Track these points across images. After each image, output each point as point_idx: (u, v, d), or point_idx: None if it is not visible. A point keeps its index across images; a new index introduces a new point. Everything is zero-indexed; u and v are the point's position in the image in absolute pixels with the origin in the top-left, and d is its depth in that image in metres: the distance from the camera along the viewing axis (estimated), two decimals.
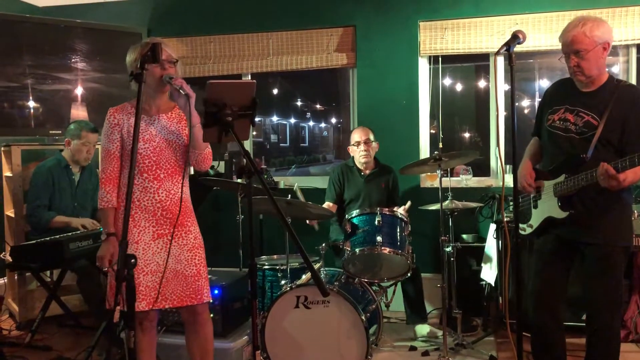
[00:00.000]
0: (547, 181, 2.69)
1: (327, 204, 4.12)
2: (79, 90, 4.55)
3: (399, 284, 3.84)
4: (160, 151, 2.51)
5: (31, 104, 4.38)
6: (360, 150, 4.06)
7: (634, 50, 4.31)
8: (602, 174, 2.36)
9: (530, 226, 2.78)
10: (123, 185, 2.52)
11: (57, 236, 3.65)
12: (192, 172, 4.50)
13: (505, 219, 2.84)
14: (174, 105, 2.59)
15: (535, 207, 2.77)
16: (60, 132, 4.40)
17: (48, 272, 4.26)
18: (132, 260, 1.94)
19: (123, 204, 2.49)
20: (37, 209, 3.90)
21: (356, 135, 4.10)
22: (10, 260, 3.78)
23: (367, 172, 4.15)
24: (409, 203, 3.76)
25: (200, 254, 2.60)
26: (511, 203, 3.54)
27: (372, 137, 4.09)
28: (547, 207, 2.69)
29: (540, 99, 2.92)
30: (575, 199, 2.58)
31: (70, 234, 3.68)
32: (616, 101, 2.50)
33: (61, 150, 4.09)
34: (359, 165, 4.15)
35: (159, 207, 2.50)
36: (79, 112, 4.51)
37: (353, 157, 4.20)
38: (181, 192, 2.54)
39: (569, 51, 2.51)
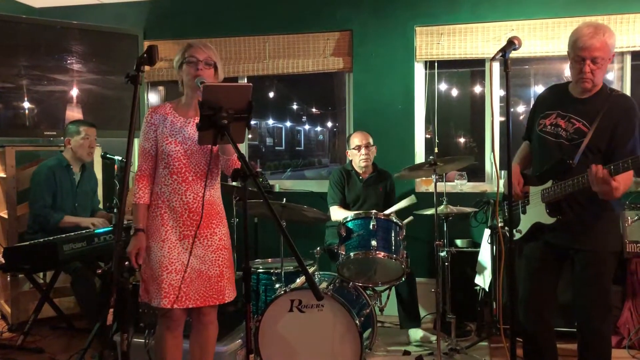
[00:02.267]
0: (535, 187, 2.71)
1: (335, 208, 4.10)
2: (74, 92, 4.54)
3: (393, 288, 3.84)
4: (192, 154, 2.53)
5: (26, 105, 4.37)
6: (361, 154, 4.07)
7: (628, 58, 4.33)
8: (595, 177, 2.35)
9: (519, 232, 2.78)
10: (156, 184, 2.57)
11: (51, 238, 3.63)
12: None
13: (499, 224, 2.85)
14: None
15: (524, 212, 2.79)
16: (55, 133, 4.39)
17: (41, 274, 4.24)
18: (126, 263, 1.94)
19: (154, 203, 2.55)
20: (43, 209, 3.88)
21: (356, 139, 4.10)
22: (3, 261, 3.76)
23: (366, 176, 4.16)
24: (410, 217, 3.76)
25: (225, 255, 2.61)
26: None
27: (371, 141, 4.12)
28: (535, 213, 2.71)
29: (533, 103, 2.94)
30: (563, 205, 2.59)
31: (63, 235, 3.67)
32: (608, 110, 2.52)
33: (61, 151, 4.08)
34: (358, 170, 4.15)
35: (186, 208, 2.52)
36: (74, 114, 4.51)
37: (351, 161, 4.20)
38: (203, 194, 2.54)
39: (588, 57, 2.47)
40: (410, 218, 3.66)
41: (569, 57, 2.59)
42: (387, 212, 3.78)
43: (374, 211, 3.52)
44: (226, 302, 2.62)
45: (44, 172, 3.94)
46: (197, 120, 2.55)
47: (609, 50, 2.48)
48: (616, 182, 2.35)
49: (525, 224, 2.77)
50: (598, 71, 2.50)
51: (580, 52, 2.49)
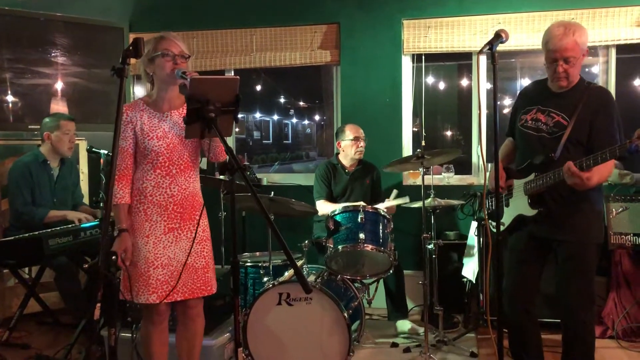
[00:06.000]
0: (518, 180, 2.75)
1: (322, 202, 4.09)
2: (58, 85, 4.48)
3: (381, 281, 3.86)
4: (174, 147, 2.52)
5: (9, 98, 4.31)
6: (359, 145, 4.08)
7: (613, 51, 4.37)
8: (566, 171, 2.43)
9: (502, 224, 2.82)
10: (136, 180, 2.54)
11: (36, 232, 3.59)
12: (205, 167, 4.50)
13: (486, 217, 2.88)
14: (184, 101, 2.56)
15: (507, 205, 2.83)
16: (39, 126, 4.33)
17: (26, 269, 4.20)
18: (113, 257, 1.93)
19: (136, 199, 2.53)
20: (25, 207, 3.80)
21: (354, 131, 4.09)
22: None
23: (352, 169, 4.17)
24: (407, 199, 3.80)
25: (208, 246, 2.63)
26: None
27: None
28: (517, 206, 2.75)
29: (515, 100, 2.98)
30: (546, 197, 2.64)
31: (49, 230, 3.63)
32: (585, 102, 2.57)
33: (39, 146, 4.01)
34: (345, 162, 4.15)
35: (171, 202, 2.52)
36: (58, 107, 4.45)
37: (337, 154, 4.21)
38: (192, 187, 2.56)
39: (560, 57, 2.53)
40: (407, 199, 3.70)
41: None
42: (379, 206, 3.79)
43: (362, 204, 3.53)
44: (214, 293, 2.62)
45: (19, 169, 3.85)
46: (173, 114, 2.55)
47: (580, 49, 2.54)
48: (588, 173, 2.40)
49: (508, 216, 2.81)
50: (572, 69, 2.56)
51: (552, 54, 2.55)
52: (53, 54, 4.44)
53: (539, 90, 2.76)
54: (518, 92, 3.05)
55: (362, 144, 4.09)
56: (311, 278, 3.33)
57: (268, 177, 5.04)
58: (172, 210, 2.52)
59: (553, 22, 2.64)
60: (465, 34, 4.46)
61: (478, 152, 4.56)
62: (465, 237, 4.20)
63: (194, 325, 2.67)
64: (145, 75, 2.56)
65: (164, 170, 2.51)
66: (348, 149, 4.11)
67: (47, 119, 3.96)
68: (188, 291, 2.53)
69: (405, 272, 4.07)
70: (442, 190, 4.24)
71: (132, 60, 2.13)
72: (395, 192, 4.01)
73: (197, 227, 2.53)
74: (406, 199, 3.85)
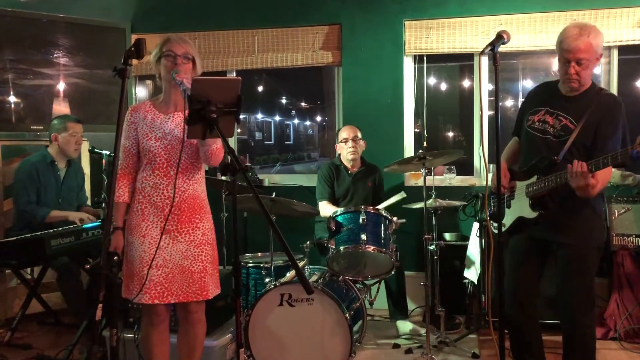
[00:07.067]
0: (520, 182, 2.74)
1: (324, 203, 4.10)
2: (61, 86, 4.49)
3: (383, 282, 3.86)
4: (172, 149, 2.52)
5: (12, 99, 4.32)
6: (348, 147, 4.08)
7: (615, 52, 4.36)
8: (574, 170, 2.39)
9: (503, 225, 2.81)
10: (137, 180, 2.56)
11: (39, 233, 3.60)
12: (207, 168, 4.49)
13: (488, 218, 2.88)
14: None
15: (509, 206, 2.82)
16: (41, 127, 4.34)
17: (28, 269, 4.20)
18: (115, 258, 1.93)
19: (135, 198, 2.55)
20: (28, 205, 3.83)
21: (344, 133, 4.12)
22: None
23: (354, 170, 4.17)
24: (403, 220, 3.72)
25: (208, 250, 2.59)
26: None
27: (359, 134, 4.13)
28: (519, 207, 2.74)
29: (523, 99, 2.97)
30: (547, 200, 2.62)
31: (51, 230, 3.63)
32: (594, 108, 2.55)
33: (46, 147, 4.04)
34: (345, 163, 4.17)
35: (168, 203, 2.51)
36: (60, 108, 4.46)
37: (339, 155, 4.21)
38: (174, 188, 2.53)
39: (572, 59, 2.50)
40: (403, 220, 3.64)
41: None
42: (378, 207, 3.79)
43: (363, 205, 3.53)
44: (209, 298, 2.60)
45: (26, 168, 3.88)
46: (177, 115, 2.56)
47: (594, 51, 2.50)
48: (594, 179, 2.38)
49: (509, 218, 2.80)
50: (584, 72, 2.53)
51: (565, 54, 2.52)
52: (55, 55, 4.45)
53: (550, 91, 2.73)
54: (520, 93, 3.05)
55: (350, 144, 4.08)
56: (313, 279, 3.33)
57: (270, 178, 5.04)
58: (168, 211, 2.51)
59: (555, 23, 2.63)
60: (467, 35, 4.46)
61: (480, 153, 4.56)
62: (467, 238, 4.20)
63: (194, 330, 2.66)
64: (157, 76, 2.60)
65: (162, 171, 2.52)
66: (341, 150, 4.15)
67: (55, 121, 3.99)
68: (183, 294, 2.51)
69: (407, 273, 4.07)
70: (444, 191, 4.24)
71: (134, 61, 2.13)
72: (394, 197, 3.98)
73: (164, 226, 2.48)
74: (403, 195, 3.83)
